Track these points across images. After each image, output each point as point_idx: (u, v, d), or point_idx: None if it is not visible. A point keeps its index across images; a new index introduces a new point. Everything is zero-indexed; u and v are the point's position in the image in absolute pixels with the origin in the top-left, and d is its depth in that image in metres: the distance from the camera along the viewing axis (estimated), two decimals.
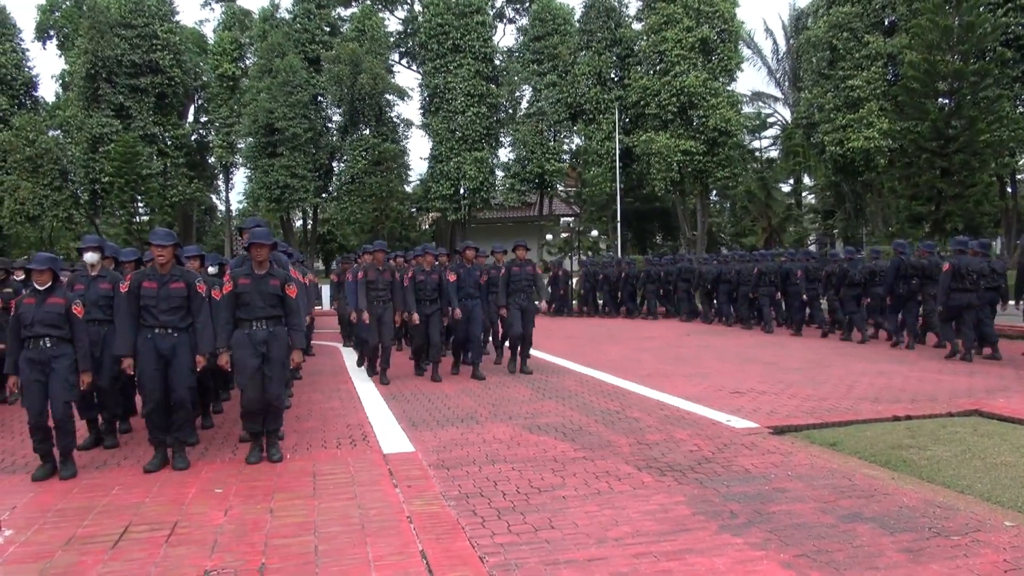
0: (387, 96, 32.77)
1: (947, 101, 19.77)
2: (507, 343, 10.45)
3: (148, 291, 5.34)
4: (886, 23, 27.84)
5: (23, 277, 8.09)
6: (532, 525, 4.23)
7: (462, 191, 32.14)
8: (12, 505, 4.73)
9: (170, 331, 5.40)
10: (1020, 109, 25.90)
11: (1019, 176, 39.83)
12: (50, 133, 32.05)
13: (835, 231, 34.89)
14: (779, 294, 14.96)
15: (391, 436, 6.43)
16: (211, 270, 7.71)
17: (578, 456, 5.69)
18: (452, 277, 9.63)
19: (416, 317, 9.24)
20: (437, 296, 9.48)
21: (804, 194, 38.30)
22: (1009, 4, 24.84)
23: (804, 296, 14.37)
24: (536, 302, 10.25)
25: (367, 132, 32.32)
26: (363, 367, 10.68)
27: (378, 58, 32.00)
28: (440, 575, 3.57)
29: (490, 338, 11.55)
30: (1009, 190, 26.45)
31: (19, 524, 4.38)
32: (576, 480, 5.08)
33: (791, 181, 36.83)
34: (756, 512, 4.36)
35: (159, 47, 31.13)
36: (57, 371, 5.21)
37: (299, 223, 37.53)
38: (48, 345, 5.20)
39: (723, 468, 5.29)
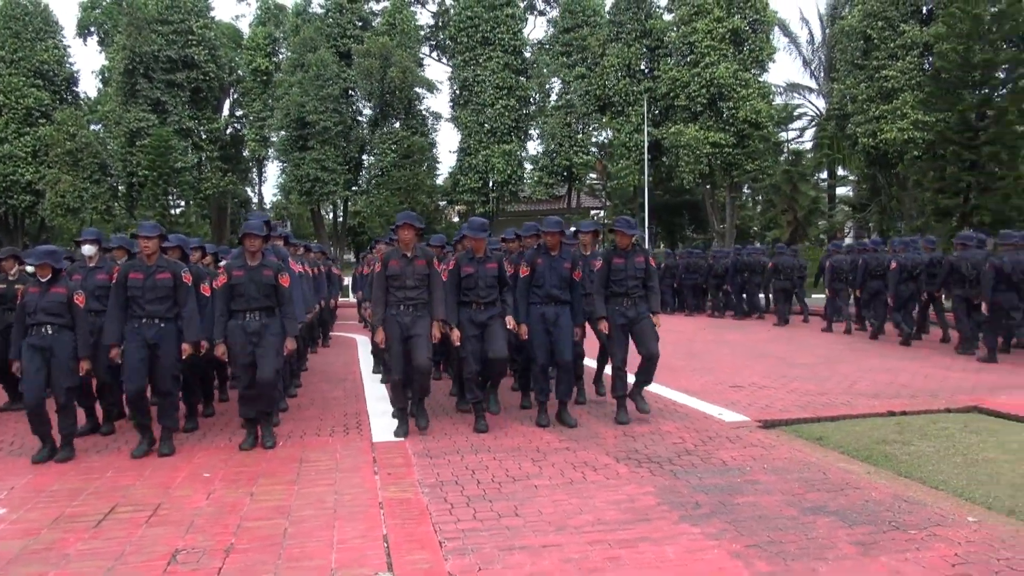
0: (416, 89, 33.00)
1: (978, 92, 19.27)
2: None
3: (135, 282, 5.56)
4: (923, 11, 27.19)
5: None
6: (497, 512, 4.34)
7: (490, 184, 32.29)
8: (11, 486, 4.98)
9: (156, 320, 5.62)
10: None
11: None
12: (91, 128, 32.94)
13: (869, 224, 34.25)
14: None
15: (385, 425, 6.57)
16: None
17: (561, 447, 5.78)
18: (524, 271, 6.52)
19: (457, 333, 6.29)
20: (494, 299, 6.40)
21: (837, 187, 37.64)
22: None
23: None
24: (652, 311, 6.59)
25: (396, 125, 32.64)
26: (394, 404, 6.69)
27: (408, 51, 32.24)
28: (397, 557, 3.71)
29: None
30: None
31: (14, 503, 4.62)
32: (553, 470, 5.17)
33: (824, 174, 36.22)
34: (721, 503, 4.42)
35: (195, 43, 31.74)
36: (59, 358, 5.47)
37: (330, 216, 38.04)
38: (49, 332, 5.46)
39: (701, 460, 5.34)
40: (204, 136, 33.23)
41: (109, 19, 36.16)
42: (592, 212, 38.56)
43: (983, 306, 9.87)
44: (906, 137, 24.44)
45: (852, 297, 13.61)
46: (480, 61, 31.88)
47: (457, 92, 33.11)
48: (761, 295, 16.81)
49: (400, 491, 4.74)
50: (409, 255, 6.12)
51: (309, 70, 30.64)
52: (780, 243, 19.03)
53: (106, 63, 36.44)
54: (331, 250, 32.55)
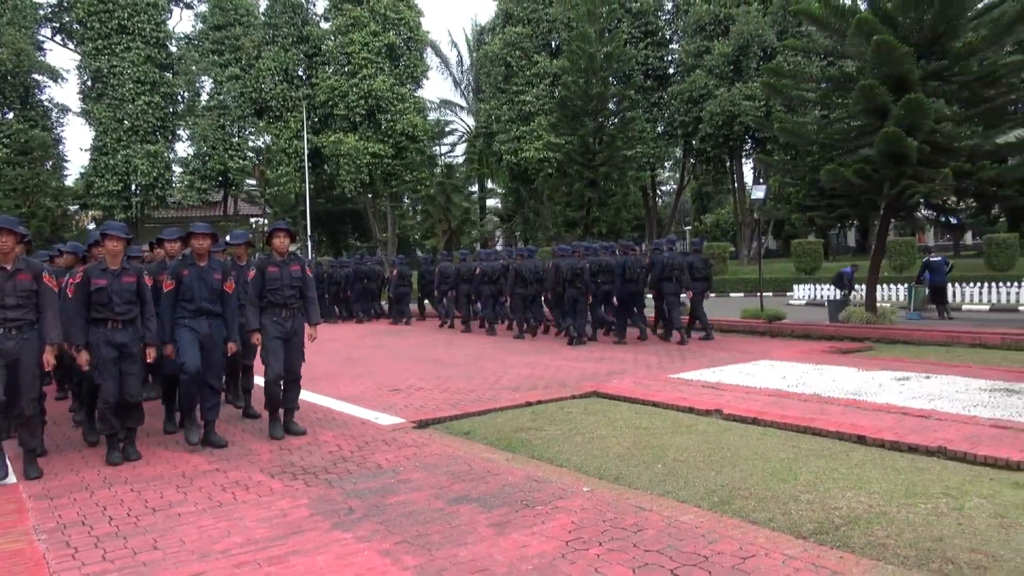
0: (35, 76, 28.75)
1: (595, 120, 22.49)
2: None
3: None
4: (552, 45, 30.77)
5: None
6: (133, 549, 3.96)
7: (133, 187, 29.28)
8: None
9: None
10: (659, 129, 30.28)
11: (663, 187, 46.37)
12: None
13: (516, 233, 37.66)
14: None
15: None
16: None
17: (210, 469, 5.47)
18: (168, 284, 6.04)
19: (85, 356, 5.57)
20: (134, 316, 5.78)
21: (487, 199, 40.94)
22: (649, 40, 28.92)
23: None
24: (312, 323, 6.59)
25: (10, 116, 28.11)
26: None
27: (24, 31, 27.90)
28: None
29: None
30: (658, 200, 30.80)
31: None
32: (199, 495, 4.87)
33: (475, 187, 39.10)
34: (374, 506, 4.54)
35: None
36: None
37: None
38: None
39: (356, 466, 5.43)
40: None
41: None
42: (252, 219, 37.00)
43: (548, 296, 13.14)
44: (541, 156, 27.45)
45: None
46: (116, 51, 28.77)
47: (89, 83, 29.49)
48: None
49: (9, 542, 4.09)
50: (9, 268, 5.22)
51: None
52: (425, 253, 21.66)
53: None
54: None
